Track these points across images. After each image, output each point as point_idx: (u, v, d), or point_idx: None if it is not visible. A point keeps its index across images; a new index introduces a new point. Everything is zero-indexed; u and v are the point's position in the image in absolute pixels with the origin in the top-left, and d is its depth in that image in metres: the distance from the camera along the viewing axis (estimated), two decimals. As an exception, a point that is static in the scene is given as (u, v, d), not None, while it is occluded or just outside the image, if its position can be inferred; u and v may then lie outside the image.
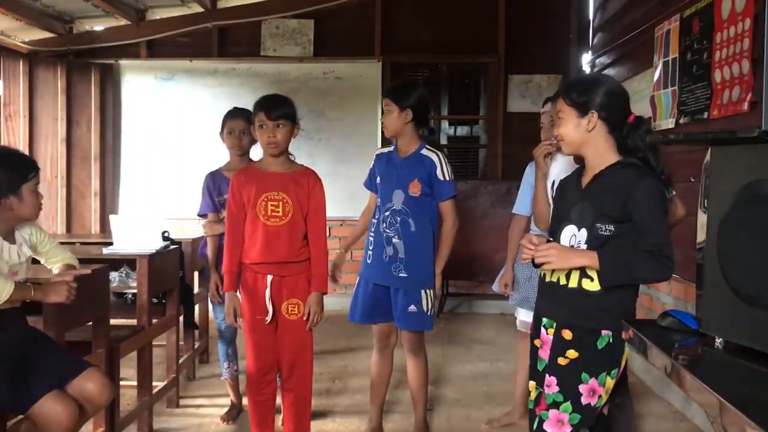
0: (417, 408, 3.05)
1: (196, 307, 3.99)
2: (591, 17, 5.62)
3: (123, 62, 6.09)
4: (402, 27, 6.06)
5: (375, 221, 2.92)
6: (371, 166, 3.01)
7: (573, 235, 1.91)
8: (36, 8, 5.42)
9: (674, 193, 2.19)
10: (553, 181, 2.52)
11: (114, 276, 3.46)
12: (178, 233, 4.13)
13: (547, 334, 1.97)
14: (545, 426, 1.88)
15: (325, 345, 4.65)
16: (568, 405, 1.85)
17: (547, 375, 1.92)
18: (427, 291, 2.84)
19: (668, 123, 3.62)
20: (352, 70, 5.99)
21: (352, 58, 5.99)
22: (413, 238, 2.81)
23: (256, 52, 6.02)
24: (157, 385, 3.28)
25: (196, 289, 4.00)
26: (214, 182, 3.26)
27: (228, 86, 5.98)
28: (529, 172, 3.05)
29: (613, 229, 1.83)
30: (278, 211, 2.63)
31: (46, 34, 5.83)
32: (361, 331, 4.74)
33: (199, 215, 3.34)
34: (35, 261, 2.52)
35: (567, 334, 1.90)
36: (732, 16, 2.94)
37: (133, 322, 3.10)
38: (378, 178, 2.93)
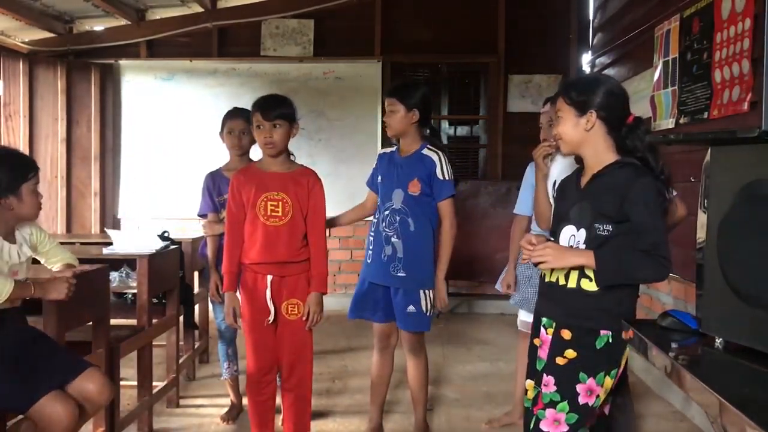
0: (417, 408, 3.05)
1: (196, 307, 3.99)
2: (591, 17, 5.62)
3: (123, 62, 6.09)
4: (402, 27, 6.06)
5: (375, 221, 2.92)
6: (374, 166, 3.01)
7: (572, 235, 1.91)
8: (36, 8, 5.42)
9: (675, 193, 2.19)
10: (555, 181, 2.52)
11: (114, 276, 3.46)
12: (178, 233, 4.14)
13: (547, 333, 1.97)
14: (541, 425, 1.88)
15: (325, 345, 4.65)
16: (564, 405, 1.85)
17: (544, 374, 1.92)
18: (426, 291, 2.84)
19: (668, 123, 3.62)
20: (352, 70, 5.99)
21: (352, 58, 5.99)
22: (412, 238, 2.80)
23: (256, 52, 6.02)
24: (157, 385, 3.28)
25: (196, 289, 4.01)
26: (214, 182, 3.26)
27: (228, 86, 5.98)
28: (530, 172, 3.05)
29: (611, 229, 1.84)
30: (278, 211, 2.63)
31: (46, 34, 5.83)
32: (361, 331, 4.75)
33: (199, 215, 3.34)
34: (35, 261, 2.52)
35: (566, 334, 1.90)
36: (732, 16, 2.94)
37: (133, 322, 3.09)
38: (379, 178, 2.93)
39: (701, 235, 1.62)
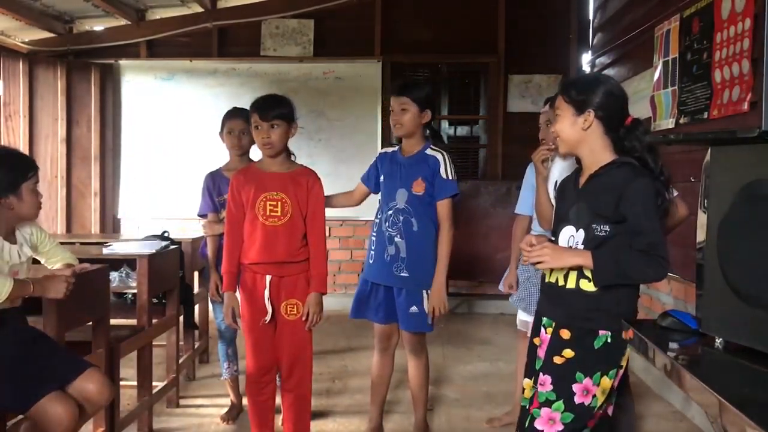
0: (417, 408, 3.05)
1: (196, 307, 3.99)
2: (591, 17, 5.62)
3: (123, 62, 6.09)
4: (402, 27, 6.06)
5: (377, 221, 2.90)
6: (373, 161, 3.00)
7: (571, 235, 1.91)
8: (36, 8, 5.42)
9: (676, 193, 2.19)
10: (555, 182, 2.52)
11: (114, 276, 3.46)
12: (178, 233, 4.14)
13: (546, 333, 1.98)
14: (536, 424, 1.88)
15: (325, 345, 4.65)
16: (560, 404, 1.85)
17: (541, 373, 1.92)
18: (428, 292, 2.84)
19: (668, 123, 3.62)
20: (352, 70, 5.99)
21: (352, 58, 5.99)
22: (416, 238, 2.80)
23: (256, 52, 6.02)
24: (157, 385, 3.28)
25: (196, 289, 4.01)
26: (214, 182, 3.26)
27: (228, 86, 5.98)
28: (530, 172, 3.05)
29: (608, 230, 1.84)
30: (277, 211, 2.63)
31: (46, 34, 5.83)
32: (361, 331, 4.75)
33: (199, 215, 3.34)
34: (35, 261, 2.52)
35: (565, 334, 1.90)
36: (732, 16, 2.94)
37: (133, 322, 3.09)
38: (381, 177, 2.91)
39: (701, 235, 1.62)
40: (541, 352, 1.98)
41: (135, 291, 3.18)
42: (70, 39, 5.99)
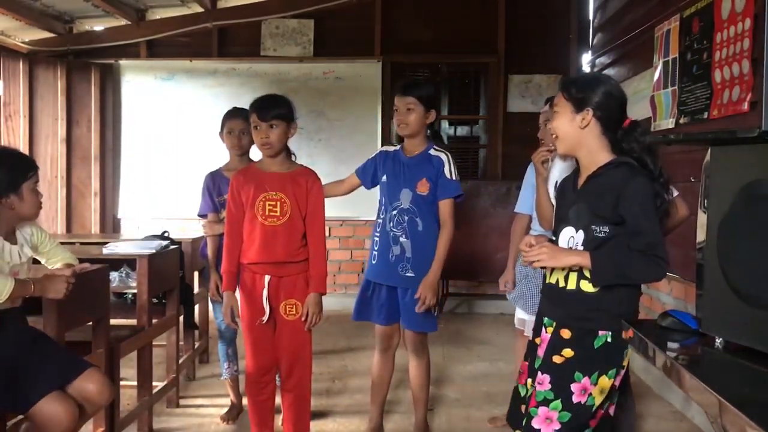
0: (418, 408, 3.05)
1: (196, 307, 3.99)
2: (591, 17, 5.62)
3: (123, 62, 6.09)
4: (402, 27, 6.06)
5: (380, 221, 2.90)
6: (372, 156, 2.99)
7: (571, 236, 1.91)
8: (36, 8, 5.42)
9: (677, 193, 2.19)
10: (556, 182, 2.52)
11: (114, 276, 3.46)
12: (178, 233, 4.14)
13: (547, 332, 1.98)
14: (533, 423, 1.87)
15: (325, 345, 4.65)
16: (557, 403, 1.85)
17: (539, 372, 1.92)
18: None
19: (668, 123, 3.62)
20: (352, 70, 5.99)
21: (352, 58, 5.99)
22: (421, 238, 2.80)
23: (256, 52, 6.02)
24: (157, 385, 3.28)
25: (196, 289, 4.01)
26: (214, 182, 3.26)
27: (228, 86, 5.99)
28: (530, 171, 3.05)
29: (608, 231, 1.84)
30: (276, 211, 2.62)
31: (46, 34, 5.83)
32: (361, 331, 4.75)
33: (199, 215, 3.34)
34: (35, 261, 2.52)
35: (566, 333, 1.90)
36: (732, 16, 2.94)
37: (133, 322, 3.09)
38: (384, 177, 2.91)
39: (701, 235, 1.62)
40: (540, 352, 1.98)
41: (135, 291, 3.18)
42: (70, 39, 5.99)
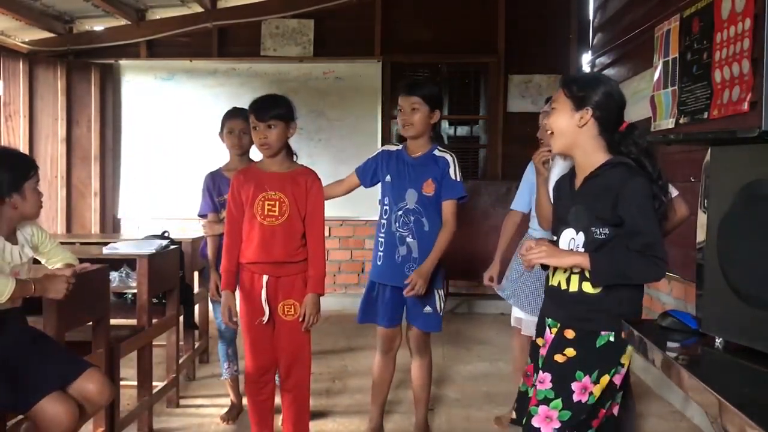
0: (419, 408, 3.05)
1: (196, 307, 3.99)
2: (591, 17, 5.62)
3: (123, 62, 6.09)
4: (402, 27, 6.06)
5: (384, 221, 2.89)
6: (373, 155, 2.98)
7: (572, 238, 1.92)
8: (36, 8, 5.42)
9: (676, 193, 2.19)
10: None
11: (114, 276, 3.46)
12: (178, 233, 4.14)
13: (551, 333, 1.98)
14: (533, 421, 1.87)
15: (325, 345, 4.65)
16: (558, 402, 1.85)
17: (541, 371, 1.92)
18: (439, 291, 2.86)
19: (668, 123, 3.62)
20: (352, 70, 5.99)
21: (352, 58, 5.99)
22: (427, 238, 2.80)
23: (256, 52, 6.02)
24: (157, 385, 3.28)
25: (196, 289, 4.01)
26: (214, 182, 3.26)
27: (228, 86, 5.99)
28: (530, 170, 3.06)
29: (608, 232, 1.84)
30: (275, 211, 2.62)
31: (46, 34, 5.83)
32: (361, 331, 4.75)
33: (199, 215, 3.34)
34: (36, 261, 2.52)
35: (569, 334, 1.91)
36: (732, 16, 2.94)
37: (133, 322, 3.09)
38: (387, 177, 2.90)
39: (701, 235, 1.62)
40: (543, 352, 1.98)
41: (135, 291, 3.18)
42: (70, 39, 5.99)
